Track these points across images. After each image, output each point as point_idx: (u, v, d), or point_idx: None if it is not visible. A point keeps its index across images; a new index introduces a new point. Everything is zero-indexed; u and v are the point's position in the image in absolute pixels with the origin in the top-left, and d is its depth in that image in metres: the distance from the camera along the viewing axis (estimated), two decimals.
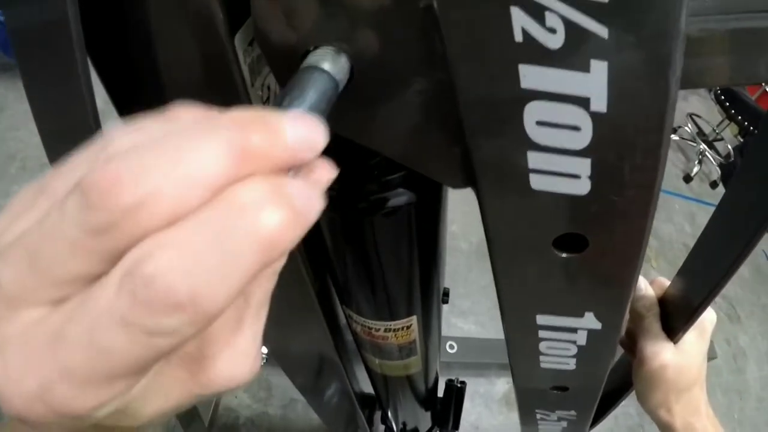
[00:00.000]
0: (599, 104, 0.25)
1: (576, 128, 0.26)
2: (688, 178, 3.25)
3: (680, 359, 0.61)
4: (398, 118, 0.29)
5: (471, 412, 2.04)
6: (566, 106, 0.25)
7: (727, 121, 3.28)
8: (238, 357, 0.20)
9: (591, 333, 0.45)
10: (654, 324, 0.62)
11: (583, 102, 0.25)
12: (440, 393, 1.11)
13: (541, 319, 0.44)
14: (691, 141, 3.41)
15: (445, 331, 2.16)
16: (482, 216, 0.33)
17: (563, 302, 0.41)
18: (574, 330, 0.45)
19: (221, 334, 0.20)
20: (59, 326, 0.17)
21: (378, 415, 1.08)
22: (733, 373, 2.44)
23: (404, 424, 1.06)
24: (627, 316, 0.63)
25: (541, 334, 0.46)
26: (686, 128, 3.46)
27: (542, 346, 0.48)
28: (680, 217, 3.01)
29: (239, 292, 0.17)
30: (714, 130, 3.41)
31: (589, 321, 0.43)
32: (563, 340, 0.47)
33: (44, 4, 0.26)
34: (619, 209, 0.31)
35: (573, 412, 0.69)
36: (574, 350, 0.49)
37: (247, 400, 1.93)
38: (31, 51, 0.28)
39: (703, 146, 3.34)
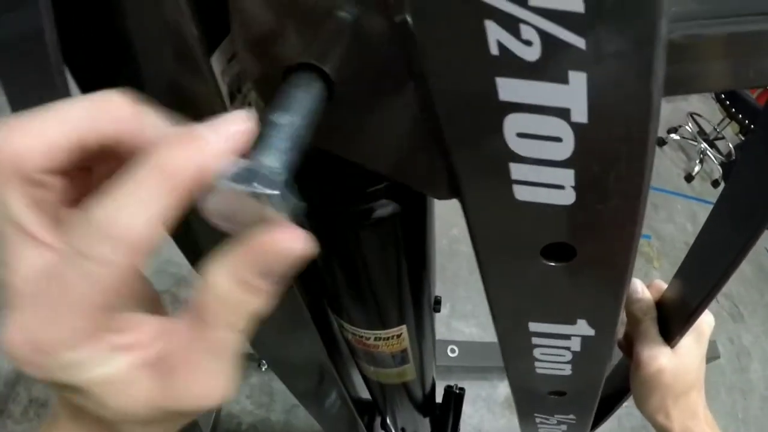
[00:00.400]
0: (580, 115, 0.25)
1: (557, 139, 0.26)
2: (689, 178, 3.24)
3: (677, 363, 0.60)
4: (380, 131, 0.29)
5: (473, 415, 2.04)
6: (547, 117, 0.25)
7: (727, 120, 3.28)
8: (205, 379, 0.23)
9: (585, 339, 0.45)
10: (651, 328, 0.61)
11: (563, 113, 0.25)
12: (440, 398, 1.10)
13: (534, 327, 0.43)
14: (692, 140, 3.41)
15: (446, 335, 2.15)
16: (468, 227, 0.33)
17: (554, 310, 0.41)
18: (567, 337, 0.45)
19: (189, 353, 0.23)
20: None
21: (378, 421, 1.08)
22: (736, 372, 2.43)
23: (403, 430, 1.06)
24: (621, 321, 0.62)
25: (535, 340, 0.46)
26: (687, 127, 3.45)
27: (536, 353, 0.48)
28: (682, 217, 3.00)
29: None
30: (715, 129, 3.40)
31: (582, 328, 0.43)
32: (557, 347, 0.47)
33: (19, 18, 0.26)
34: (606, 218, 0.30)
35: (572, 416, 0.68)
36: (569, 356, 0.49)
37: (250, 406, 1.93)
38: (8, 63, 0.28)
39: (704, 145, 3.33)
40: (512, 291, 0.39)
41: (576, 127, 0.25)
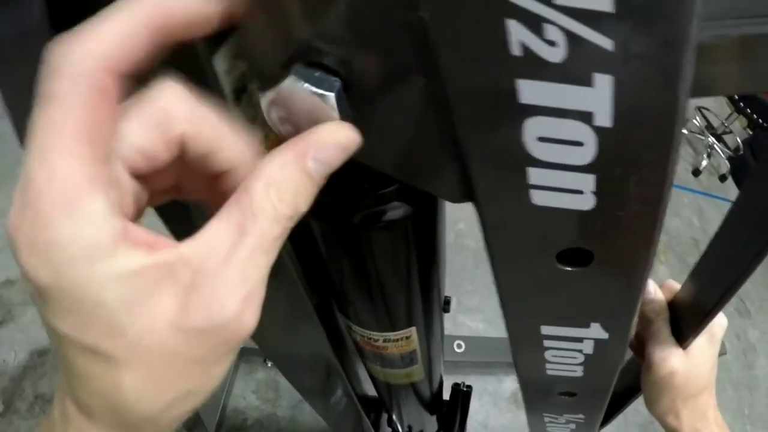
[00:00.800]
0: (604, 119, 0.24)
1: (579, 143, 0.25)
2: (696, 172, 3.22)
3: (689, 366, 0.59)
4: (392, 132, 0.28)
5: (479, 410, 2.03)
6: (569, 121, 0.24)
7: (735, 114, 3.25)
8: (225, 293, 0.21)
9: (598, 342, 0.44)
10: (663, 329, 0.60)
11: (586, 117, 0.24)
12: (447, 394, 1.10)
13: (546, 330, 0.43)
14: (700, 134, 3.38)
15: (452, 330, 2.15)
16: (482, 230, 0.32)
17: (569, 314, 0.40)
18: (580, 340, 0.44)
19: (211, 267, 0.21)
20: None
21: (384, 418, 1.07)
22: (743, 368, 2.41)
23: (410, 427, 1.05)
24: (635, 323, 0.62)
25: (547, 343, 0.45)
26: (694, 121, 3.43)
27: (547, 355, 0.47)
28: (688, 211, 2.98)
29: None
30: (723, 123, 3.37)
31: (596, 331, 0.42)
32: (569, 349, 0.46)
33: (11, 15, 0.25)
34: (625, 224, 0.29)
35: (581, 416, 0.67)
36: (581, 358, 0.48)
37: (255, 402, 1.93)
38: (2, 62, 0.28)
39: (711, 139, 3.30)
40: (526, 294, 0.38)
41: (599, 131, 0.24)
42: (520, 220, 0.30)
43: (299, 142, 0.24)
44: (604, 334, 0.42)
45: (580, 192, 0.27)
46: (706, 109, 3.48)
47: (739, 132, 3.43)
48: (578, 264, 0.33)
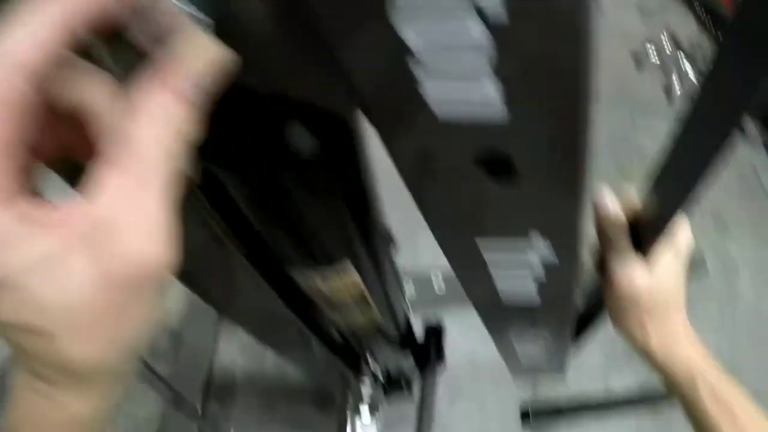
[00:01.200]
0: (496, 15, 0.21)
1: (476, 47, 0.22)
2: (669, 96, 3.21)
3: (653, 280, 0.58)
4: (278, 50, 0.26)
5: (465, 344, 2.03)
6: (457, 21, 0.21)
7: (705, 35, 3.21)
8: (137, 238, 0.23)
9: (547, 266, 0.42)
10: (622, 242, 0.59)
11: (477, 14, 0.21)
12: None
13: (483, 244, 0.40)
14: (670, 57, 3.35)
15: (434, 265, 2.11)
16: (388, 152, 0.29)
17: (501, 221, 0.38)
18: (524, 253, 0.41)
19: (122, 209, 0.22)
20: None
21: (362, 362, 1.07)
22: (725, 287, 2.44)
23: (387, 369, 1.05)
24: (594, 244, 0.60)
25: (488, 258, 0.42)
26: (664, 45, 3.39)
27: (495, 277, 0.45)
28: (662, 135, 2.97)
29: None
30: (693, 45, 3.34)
31: (538, 244, 0.39)
32: (517, 269, 0.44)
33: None
34: (544, 132, 0.27)
35: (547, 334, 0.65)
36: (533, 285, 0.47)
37: (241, 360, 1.92)
38: None
39: (683, 62, 3.28)
40: (453, 209, 0.36)
41: (494, 30, 0.22)
42: (426, 134, 0.27)
43: (172, 73, 0.24)
44: (551, 257, 0.41)
45: (487, 102, 0.25)
46: (675, 31, 3.45)
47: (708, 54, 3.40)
48: (502, 174, 0.31)
